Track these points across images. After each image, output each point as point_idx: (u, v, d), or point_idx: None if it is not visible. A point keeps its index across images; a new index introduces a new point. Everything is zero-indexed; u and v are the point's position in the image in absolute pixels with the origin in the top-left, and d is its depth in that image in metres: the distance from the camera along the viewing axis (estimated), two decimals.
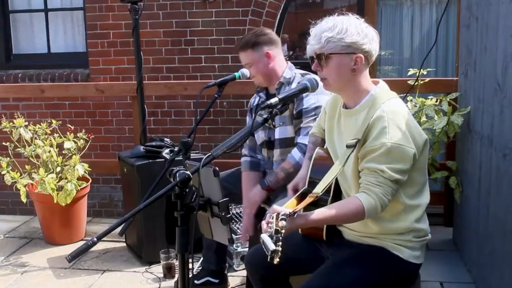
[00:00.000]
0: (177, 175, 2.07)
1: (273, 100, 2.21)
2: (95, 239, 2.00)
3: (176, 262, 3.69)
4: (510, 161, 2.86)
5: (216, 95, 3.26)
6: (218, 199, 2.12)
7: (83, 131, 4.65)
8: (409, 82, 4.21)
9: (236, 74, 3.30)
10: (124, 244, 4.42)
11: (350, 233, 2.39)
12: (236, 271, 3.90)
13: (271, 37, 3.27)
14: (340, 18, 2.27)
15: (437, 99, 4.09)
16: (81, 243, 4.50)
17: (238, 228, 3.99)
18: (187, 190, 2.12)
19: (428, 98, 4.09)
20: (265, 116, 2.21)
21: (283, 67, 3.28)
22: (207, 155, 2.11)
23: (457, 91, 4.22)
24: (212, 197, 2.16)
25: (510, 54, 2.88)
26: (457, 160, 4.19)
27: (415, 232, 2.29)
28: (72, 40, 6.56)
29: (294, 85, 3.18)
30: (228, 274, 3.71)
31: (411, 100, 4.14)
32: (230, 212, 3.88)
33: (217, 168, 2.11)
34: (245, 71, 3.32)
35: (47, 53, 6.52)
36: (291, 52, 8.47)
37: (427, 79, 4.22)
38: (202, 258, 3.64)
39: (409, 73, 4.27)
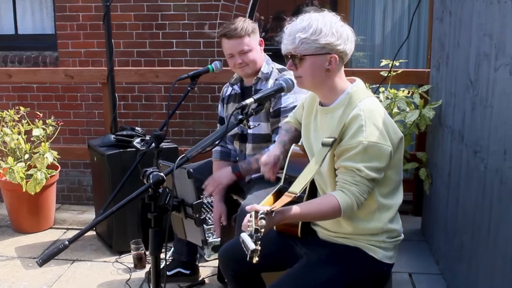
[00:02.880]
0: (151, 177, 2.05)
1: (249, 101, 2.20)
2: (67, 242, 1.98)
3: (147, 252, 3.69)
4: (480, 158, 2.90)
5: (189, 88, 3.23)
6: (192, 200, 2.11)
7: (52, 117, 4.56)
8: (381, 73, 4.22)
9: (210, 66, 3.27)
10: (94, 233, 4.37)
11: (324, 233, 2.40)
12: (207, 261, 3.89)
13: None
14: (315, 16, 2.24)
15: (409, 91, 4.11)
16: (49, 231, 4.50)
17: (209, 218, 3.98)
18: (160, 191, 2.11)
19: (400, 90, 4.11)
20: (240, 117, 2.19)
21: (262, 60, 3.26)
22: (181, 156, 2.09)
23: (428, 82, 4.24)
24: (186, 198, 2.15)
25: (483, 53, 2.90)
26: (427, 151, 4.23)
27: (388, 233, 2.31)
28: (40, 22, 6.44)
29: (271, 81, 3.18)
30: (199, 264, 3.70)
31: (383, 92, 4.15)
32: (203, 203, 3.88)
33: (191, 170, 2.10)
34: (218, 64, 3.29)
35: (14, 34, 6.39)
36: (263, 33, 8.45)
37: (400, 70, 4.24)
38: (173, 249, 3.63)
39: (382, 64, 4.28)
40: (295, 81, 2.34)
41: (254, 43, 3.20)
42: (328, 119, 2.29)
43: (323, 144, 2.21)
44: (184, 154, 2.09)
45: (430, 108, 3.88)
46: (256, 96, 2.23)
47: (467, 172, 3.17)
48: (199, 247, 3.80)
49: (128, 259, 3.94)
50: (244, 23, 3.18)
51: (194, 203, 2.08)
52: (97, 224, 2.12)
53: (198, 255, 3.66)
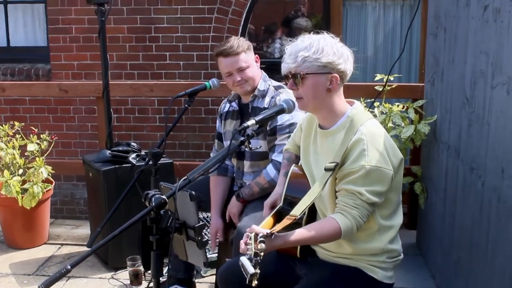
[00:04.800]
0: (153, 200, 2.05)
1: (250, 122, 2.21)
2: (69, 267, 1.97)
3: (143, 269, 3.68)
4: (477, 176, 2.91)
5: (186, 105, 3.24)
6: (194, 223, 2.11)
7: (46, 132, 4.54)
8: (376, 87, 4.23)
9: (207, 83, 3.29)
10: (89, 249, 4.34)
11: (324, 253, 2.40)
12: (204, 277, 3.88)
13: None
14: (316, 37, 2.27)
15: (403, 106, 4.13)
16: (43, 246, 4.47)
17: (205, 234, 3.97)
18: (162, 213, 2.11)
19: (395, 104, 4.13)
20: (241, 138, 2.20)
21: (259, 76, 3.26)
22: (183, 179, 2.09)
23: (422, 97, 4.27)
24: (187, 220, 2.14)
25: (479, 70, 2.92)
26: (422, 165, 4.25)
27: (388, 253, 2.31)
28: (32, 34, 6.42)
29: (267, 99, 3.19)
30: (196, 280, 3.69)
31: (378, 106, 4.16)
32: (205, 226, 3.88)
33: (193, 192, 2.10)
34: (216, 81, 3.30)
35: (7, 46, 6.36)
36: (254, 44, 8.49)
37: (394, 85, 4.26)
38: (169, 266, 3.61)
39: (376, 79, 4.30)
40: (296, 102, 2.35)
41: (251, 59, 3.21)
42: (329, 143, 2.29)
43: (326, 169, 2.21)
44: (186, 177, 2.09)
45: (425, 124, 3.89)
46: (258, 118, 2.24)
47: (463, 188, 3.19)
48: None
49: (124, 275, 3.92)
50: (239, 41, 3.19)
51: (197, 225, 2.08)
52: (100, 248, 2.10)
53: (194, 272, 3.65)
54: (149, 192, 2.08)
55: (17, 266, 4.13)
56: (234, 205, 3.25)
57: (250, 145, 2.21)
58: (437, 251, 3.76)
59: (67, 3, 5.96)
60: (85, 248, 4.34)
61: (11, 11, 6.35)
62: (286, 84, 2.36)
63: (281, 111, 2.36)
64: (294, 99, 2.37)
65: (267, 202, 2.67)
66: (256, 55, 3.27)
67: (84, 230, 4.79)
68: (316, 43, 2.23)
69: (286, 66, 2.27)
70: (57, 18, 6.00)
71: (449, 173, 3.50)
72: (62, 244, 4.50)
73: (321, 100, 2.27)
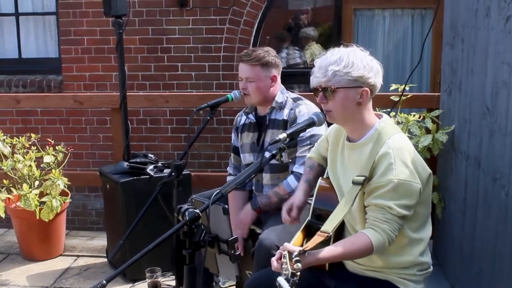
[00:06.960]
0: (186, 214, 2.05)
1: (282, 136, 2.22)
2: (104, 281, 1.98)
3: (161, 280, 3.67)
4: (501, 186, 2.91)
5: (208, 117, 3.25)
6: (227, 236, 2.11)
7: (62, 143, 4.54)
8: (391, 97, 4.24)
9: (229, 96, 3.29)
10: (105, 260, 4.35)
11: (353, 266, 2.40)
12: None
13: (278, 62, 3.25)
14: (346, 50, 2.27)
15: (420, 116, 4.13)
16: (60, 258, 4.48)
17: None
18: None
19: (411, 114, 4.13)
20: (273, 151, 2.21)
21: (271, 93, 3.25)
22: (216, 193, 2.09)
23: (438, 106, 4.27)
24: (220, 234, 2.15)
25: (501, 81, 2.92)
26: (439, 175, 4.25)
27: (419, 266, 2.32)
28: (44, 46, 6.45)
29: (286, 111, 3.19)
30: None
31: (394, 116, 4.17)
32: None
33: (226, 206, 2.11)
34: (238, 93, 3.30)
35: (18, 58, 6.39)
36: None
37: (410, 95, 4.26)
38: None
39: (391, 88, 4.30)
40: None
41: (263, 75, 3.17)
42: (356, 156, 2.30)
43: (354, 183, 2.21)
44: (218, 190, 2.10)
45: (443, 133, 3.90)
46: (289, 131, 2.25)
47: (485, 198, 3.18)
48: (214, 274, 3.78)
49: (142, 287, 3.91)
50: (264, 53, 3.17)
51: (230, 239, 2.09)
52: (132, 264, 2.11)
53: (214, 283, 3.64)
54: (182, 206, 2.08)
55: (34, 278, 4.13)
56: (248, 214, 3.21)
57: (282, 158, 2.22)
58: (456, 261, 3.75)
59: (79, 14, 5.99)
60: (102, 260, 4.36)
61: (23, 23, 6.39)
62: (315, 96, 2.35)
63: (312, 124, 2.37)
64: (316, 111, 2.38)
65: (286, 205, 2.61)
66: (274, 75, 3.21)
67: (99, 241, 4.78)
68: (346, 56, 2.23)
69: (316, 80, 2.27)
70: (69, 29, 6.03)
71: (469, 184, 3.49)
72: (78, 256, 4.50)
73: (350, 113, 2.27)
